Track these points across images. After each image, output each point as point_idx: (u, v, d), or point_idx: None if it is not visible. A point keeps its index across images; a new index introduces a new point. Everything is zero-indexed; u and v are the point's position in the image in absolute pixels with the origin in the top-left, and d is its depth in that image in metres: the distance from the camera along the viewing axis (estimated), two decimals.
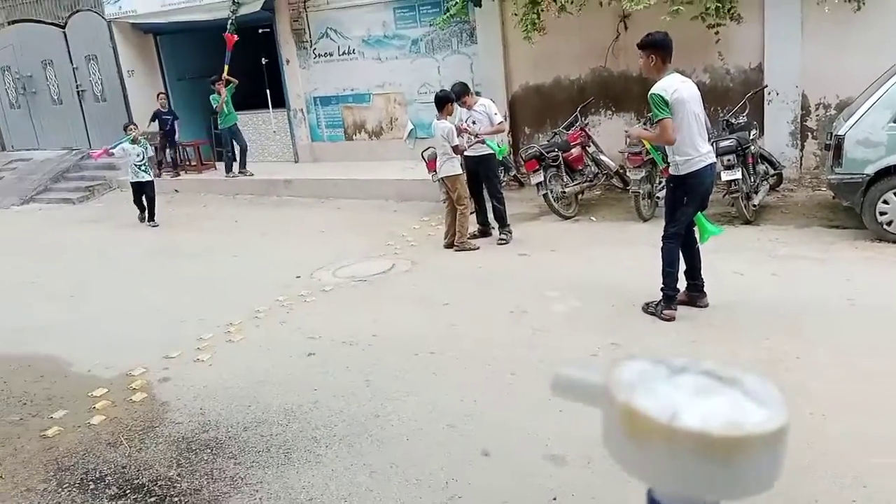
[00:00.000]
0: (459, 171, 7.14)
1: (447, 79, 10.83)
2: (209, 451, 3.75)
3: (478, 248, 7.12)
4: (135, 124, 10.03)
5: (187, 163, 13.10)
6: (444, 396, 4.06)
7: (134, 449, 3.83)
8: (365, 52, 11.56)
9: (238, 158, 11.82)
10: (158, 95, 12.65)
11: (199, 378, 4.63)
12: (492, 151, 7.28)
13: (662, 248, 4.91)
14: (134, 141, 9.59)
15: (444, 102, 7.03)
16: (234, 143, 11.82)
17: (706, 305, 5.01)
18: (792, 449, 2.27)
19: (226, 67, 11.34)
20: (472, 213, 7.85)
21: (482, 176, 7.39)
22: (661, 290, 4.90)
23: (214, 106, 11.58)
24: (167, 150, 12.67)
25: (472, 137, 7.16)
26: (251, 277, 6.88)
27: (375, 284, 6.35)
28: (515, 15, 8.94)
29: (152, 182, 9.83)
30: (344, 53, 11.76)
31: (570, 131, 8.66)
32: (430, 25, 10.60)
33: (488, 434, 3.62)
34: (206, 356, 4.95)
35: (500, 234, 7.34)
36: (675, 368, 0.46)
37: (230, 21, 11.49)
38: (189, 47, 13.71)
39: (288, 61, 12.25)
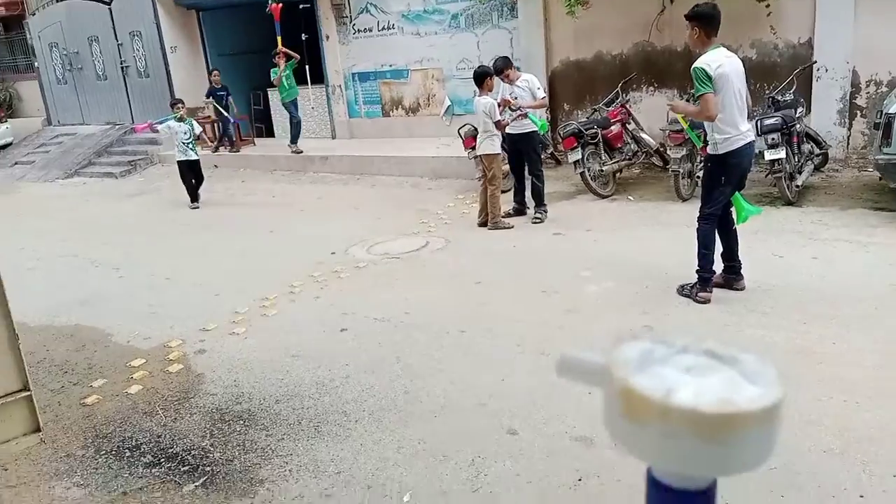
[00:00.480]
0: (498, 150, 7.09)
1: (486, 54, 10.74)
2: (242, 422, 3.83)
3: (512, 227, 7.08)
4: (182, 102, 9.84)
5: (227, 138, 13.26)
6: (473, 374, 4.08)
7: (169, 419, 3.94)
8: (404, 27, 11.50)
9: (291, 132, 11.76)
10: (212, 72, 12.61)
11: (234, 350, 4.72)
12: (534, 129, 7.23)
13: (698, 229, 4.82)
14: (181, 119, 9.39)
15: (483, 78, 6.98)
16: (293, 116, 11.70)
17: (743, 288, 4.91)
18: (824, 435, 2.23)
19: (279, 39, 11.29)
20: (508, 190, 7.82)
21: (523, 153, 7.33)
22: (697, 271, 4.82)
23: (273, 79, 11.52)
24: (223, 126, 12.65)
25: (515, 112, 7.09)
26: (287, 252, 6.97)
27: (408, 262, 6.38)
28: None
29: (199, 161, 9.60)
30: (383, 29, 11.73)
31: (610, 108, 8.52)
32: None
33: (516, 413, 3.62)
34: (241, 329, 5.05)
35: (535, 212, 7.29)
36: (675, 348, 0.46)
37: None
38: (231, 23, 13.84)
39: (328, 37, 12.27)
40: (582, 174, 7.76)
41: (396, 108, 12.07)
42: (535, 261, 6.04)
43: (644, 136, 8.62)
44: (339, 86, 12.47)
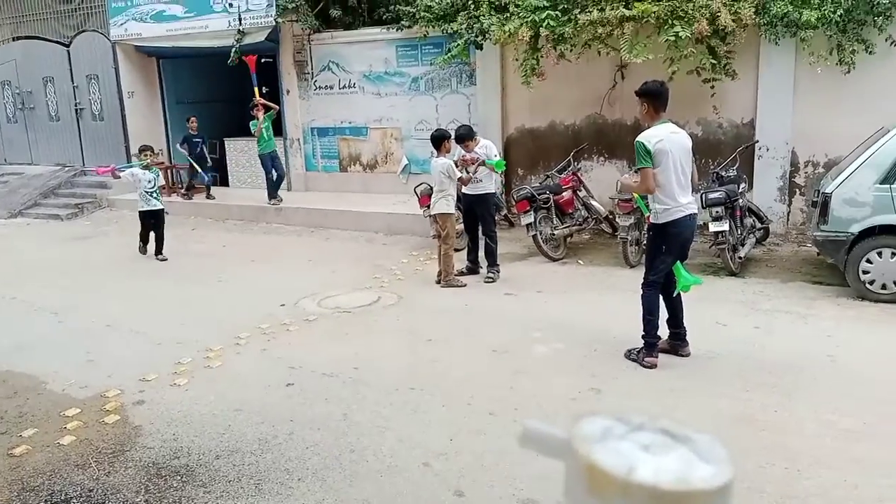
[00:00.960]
0: (453, 209, 7.21)
1: (444, 117, 10.99)
2: (179, 477, 3.69)
3: (465, 286, 7.12)
4: (150, 149, 9.27)
5: (179, 186, 13.11)
6: (421, 434, 4.03)
7: (102, 472, 3.77)
8: (365, 86, 11.70)
9: (273, 184, 11.28)
10: (189, 119, 12.32)
11: (175, 403, 4.57)
12: (490, 191, 7.40)
13: (643, 296, 4.94)
14: (146, 167, 8.84)
15: (441, 141, 7.14)
16: (273, 169, 11.22)
17: (688, 355, 5.01)
18: (766, 502, 2.27)
19: (256, 91, 11.09)
20: (461, 249, 7.90)
21: (478, 213, 7.45)
22: (643, 337, 4.91)
23: (252, 131, 11.16)
24: (197, 174, 12.08)
25: (475, 164, 7.20)
26: (235, 303, 6.84)
27: (360, 317, 6.33)
28: (516, 60, 9.10)
29: (163, 210, 9.06)
30: (344, 87, 11.91)
31: (562, 175, 8.75)
32: (431, 64, 10.77)
33: (463, 474, 3.58)
34: (182, 381, 4.90)
35: (488, 272, 7.36)
36: (633, 426, 0.49)
37: (234, 49, 11.64)
38: (190, 72, 13.88)
39: (288, 91, 12.38)
40: (534, 237, 7.90)
41: (354, 164, 12.16)
42: (487, 320, 6.07)
43: (594, 203, 8.86)
44: (298, 139, 12.53)
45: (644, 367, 4.85)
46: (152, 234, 9.00)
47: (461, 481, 3.51)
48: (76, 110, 14.48)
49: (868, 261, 6.25)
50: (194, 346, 5.57)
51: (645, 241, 7.66)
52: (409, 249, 8.96)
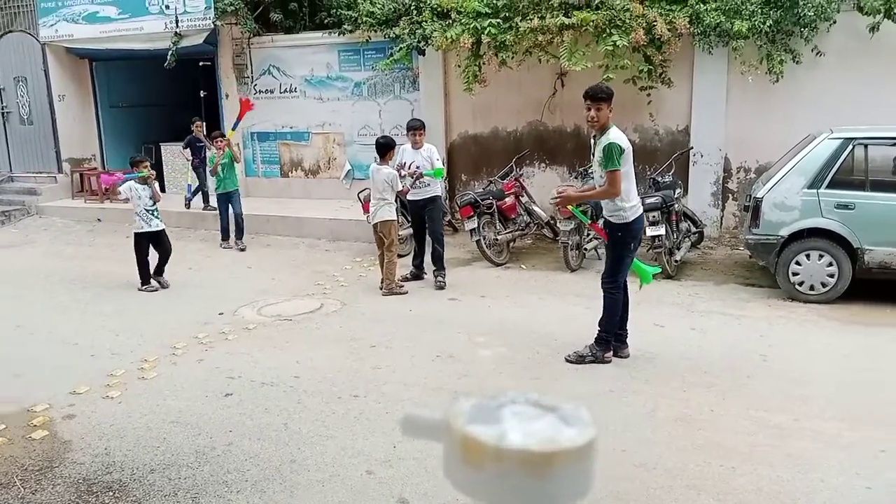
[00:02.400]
0: (394, 216, 7.15)
1: (388, 122, 10.95)
2: (111, 493, 3.55)
3: (407, 292, 7.08)
4: (147, 160, 8.10)
5: (113, 192, 12.69)
6: (364, 441, 3.98)
7: (28, 490, 3.59)
8: (307, 91, 11.57)
9: (234, 226, 9.63)
10: (194, 120, 11.18)
11: (107, 416, 4.40)
12: (438, 193, 7.40)
13: (611, 297, 5.00)
14: (144, 181, 7.59)
15: (387, 149, 7.05)
16: (232, 209, 9.56)
17: (628, 356, 5.11)
18: (704, 499, 2.32)
19: (230, 132, 9.84)
20: (406, 255, 7.87)
21: (427, 218, 7.41)
22: (602, 335, 5.02)
23: (209, 168, 9.89)
24: (200, 182, 11.16)
25: (415, 180, 7.18)
26: (171, 312, 6.65)
27: (301, 324, 6.23)
28: (458, 66, 9.14)
29: (164, 230, 7.83)
30: (285, 91, 11.75)
31: (504, 181, 8.83)
32: (374, 69, 10.72)
33: (407, 480, 3.55)
34: (115, 393, 4.73)
35: (435, 276, 7.31)
36: (504, 400, 0.52)
37: (170, 52, 11.35)
38: (126, 75, 13.47)
39: (227, 95, 12.13)
40: (478, 242, 7.94)
41: (296, 170, 12.00)
42: (431, 325, 6.06)
43: (536, 208, 8.97)
44: (237, 144, 12.27)
45: (605, 362, 4.98)
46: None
47: (405, 488, 3.48)
48: (3, 114, 13.85)
49: (797, 263, 6.49)
50: (128, 357, 5.39)
51: (585, 246, 7.84)
52: (353, 255, 8.88)
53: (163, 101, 13.76)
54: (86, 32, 12.41)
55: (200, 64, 12.13)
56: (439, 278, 7.30)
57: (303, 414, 4.36)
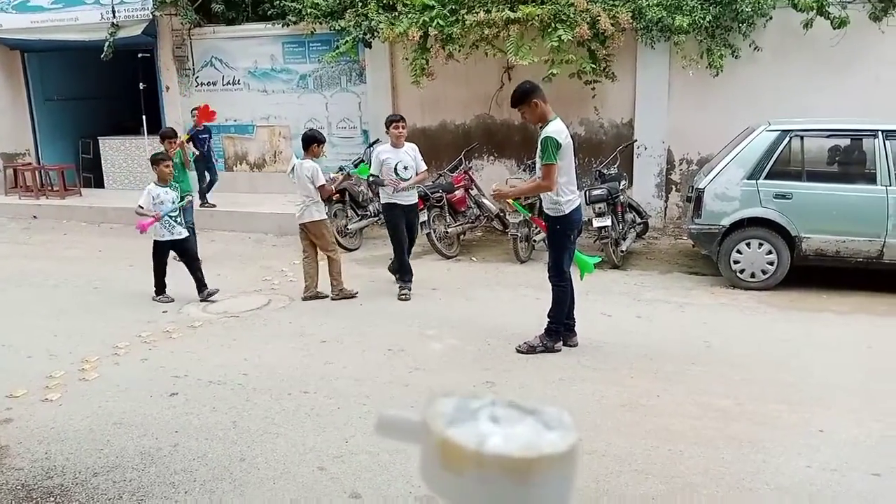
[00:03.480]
0: (324, 215, 6.68)
1: (335, 115, 10.85)
2: (52, 499, 3.42)
3: (356, 295, 6.68)
4: (168, 158, 7.02)
5: (49, 188, 12.25)
6: (315, 437, 3.94)
7: None
8: (251, 83, 11.36)
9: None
10: (193, 111, 9.75)
11: (47, 419, 4.24)
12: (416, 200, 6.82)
13: (559, 288, 5.05)
14: (162, 180, 6.69)
15: (311, 142, 6.52)
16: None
17: (576, 345, 5.18)
18: (652, 482, 2.36)
19: (185, 135, 8.81)
20: (356, 248, 7.76)
21: (414, 223, 6.86)
22: (551, 325, 5.09)
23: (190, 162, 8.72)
24: (210, 175, 10.34)
25: (339, 183, 6.85)
26: (112, 311, 6.45)
27: (249, 321, 6.12)
28: (405, 59, 9.10)
29: (189, 237, 6.95)
30: (228, 83, 11.51)
31: (454, 174, 8.84)
32: (319, 62, 10.59)
33: (359, 475, 3.53)
34: (55, 395, 4.56)
35: (402, 287, 6.67)
36: (483, 402, 0.51)
37: (107, 44, 10.98)
38: (61, 67, 12.99)
39: (168, 88, 11.83)
40: (428, 235, 7.93)
41: (240, 164, 11.78)
42: (382, 319, 6.02)
43: (485, 201, 9.00)
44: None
45: (555, 351, 5.06)
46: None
47: (357, 483, 3.46)
48: None
49: (738, 251, 6.68)
50: (68, 359, 5.20)
51: (534, 238, 7.91)
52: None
53: (101, 94, 13.33)
54: (16, 22, 11.93)
55: (139, 55, 11.77)
56: (405, 291, 6.62)
57: (252, 412, 4.28)
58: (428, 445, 0.49)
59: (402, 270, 6.72)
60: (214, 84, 11.59)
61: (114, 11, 11.23)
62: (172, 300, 6.68)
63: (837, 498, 3.25)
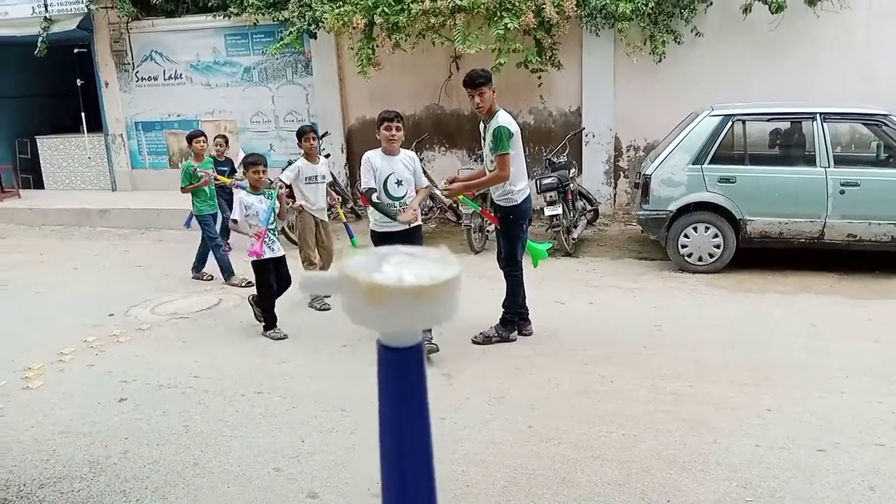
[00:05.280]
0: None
1: (282, 108, 10.68)
2: None
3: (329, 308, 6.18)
4: (262, 159, 5.75)
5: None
6: (270, 439, 3.88)
7: None
8: (193, 77, 11.09)
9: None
10: (216, 139, 8.68)
11: None
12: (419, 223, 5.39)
13: (513, 278, 5.09)
14: (254, 187, 5.59)
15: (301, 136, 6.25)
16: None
17: (531, 333, 5.22)
18: (608, 468, 2.37)
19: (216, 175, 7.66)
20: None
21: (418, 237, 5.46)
22: (507, 316, 5.13)
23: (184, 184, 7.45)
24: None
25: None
26: (56, 316, 6.24)
27: (199, 322, 5.99)
28: (351, 49, 8.99)
29: (285, 256, 5.68)
30: (170, 78, 11.22)
31: None
32: (263, 54, 10.39)
33: (316, 475, 3.49)
34: None
35: (427, 339, 6.41)
36: (385, 254, 0.66)
37: (41, 39, 10.58)
38: None
39: (107, 84, 11.47)
40: None
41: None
42: (337, 315, 5.96)
43: (438, 192, 8.96)
44: (121, 135, 11.65)
45: (510, 340, 5.10)
46: None
47: (314, 482, 3.42)
48: None
49: (685, 236, 6.81)
50: (9, 367, 5.01)
51: (488, 229, 7.92)
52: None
53: (37, 92, 12.84)
54: None
55: (76, 51, 11.38)
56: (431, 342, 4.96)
57: (204, 415, 4.19)
58: (353, 290, 0.63)
59: None
60: (156, 79, 11.28)
61: (46, 5, 10.83)
62: (286, 336, 5.49)
63: (785, 474, 3.34)
